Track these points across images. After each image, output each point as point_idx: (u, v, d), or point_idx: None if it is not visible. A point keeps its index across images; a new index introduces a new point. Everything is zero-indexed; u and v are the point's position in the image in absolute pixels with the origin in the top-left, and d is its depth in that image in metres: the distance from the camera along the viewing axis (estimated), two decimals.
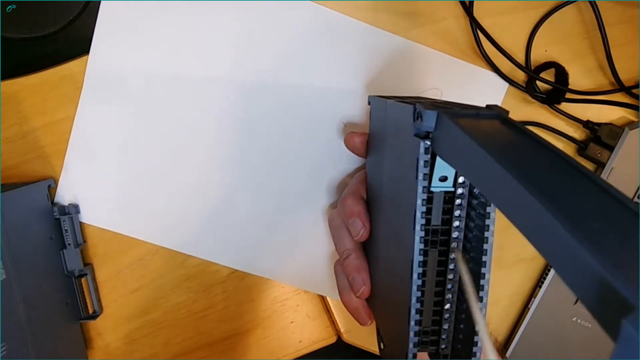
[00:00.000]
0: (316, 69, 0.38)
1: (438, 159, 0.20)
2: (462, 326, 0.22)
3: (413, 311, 0.21)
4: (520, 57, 0.39)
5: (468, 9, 0.37)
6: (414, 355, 0.21)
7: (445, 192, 0.21)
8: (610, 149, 0.38)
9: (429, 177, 0.20)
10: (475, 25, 0.37)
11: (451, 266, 0.22)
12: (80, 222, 0.37)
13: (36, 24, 0.35)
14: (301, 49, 0.37)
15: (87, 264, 0.38)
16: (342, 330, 0.40)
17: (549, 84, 0.38)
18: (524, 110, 0.39)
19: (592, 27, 0.39)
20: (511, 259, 0.41)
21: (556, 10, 0.38)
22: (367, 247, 0.32)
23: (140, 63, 0.37)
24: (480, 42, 0.38)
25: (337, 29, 0.37)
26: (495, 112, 0.19)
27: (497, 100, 0.39)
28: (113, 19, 0.36)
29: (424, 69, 0.38)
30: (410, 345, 0.21)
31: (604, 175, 0.38)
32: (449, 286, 0.22)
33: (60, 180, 0.37)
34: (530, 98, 0.39)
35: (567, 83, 0.38)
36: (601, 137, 0.38)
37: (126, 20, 0.36)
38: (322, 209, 0.39)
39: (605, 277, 0.11)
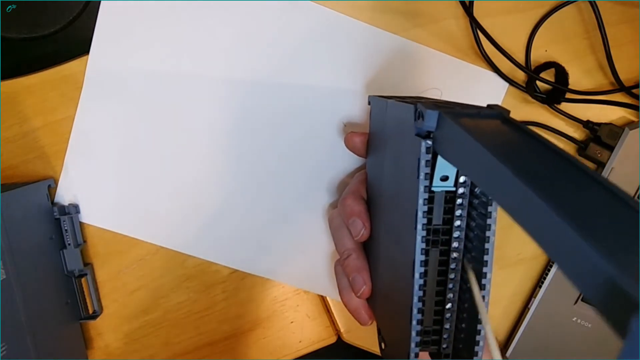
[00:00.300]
0: (316, 69, 0.38)
1: (439, 158, 0.20)
2: (463, 325, 0.22)
3: (415, 310, 0.21)
4: (520, 57, 0.39)
5: (468, 9, 0.37)
6: (416, 355, 0.21)
7: (447, 191, 0.21)
8: (610, 149, 0.38)
9: (430, 176, 0.20)
10: (475, 25, 0.37)
11: (452, 265, 0.22)
12: (80, 222, 0.37)
13: (36, 24, 0.35)
14: (301, 49, 0.37)
15: (87, 264, 0.38)
16: (342, 330, 0.40)
17: (549, 84, 0.38)
18: (524, 110, 0.39)
19: (592, 27, 0.39)
20: (511, 259, 0.41)
21: (556, 10, 0.38)
22: (367, 247, 0.32)
23: (141, 63, 0.37)
24: (480, 42, 0.38)
25: (336, 29, 0.37)
26: (496, 112, 0.19)
27: (497, 101, 0.39)
28: (113, 19, 0.36)
29: (424, 69, 0.38)
30: (412, 345, 0.21)
31: (603, 176, 0.38)
32: (450, 285, 0.22)
33: (60, 180, 0.37)
34: (530, 98, 0.39)
35: (567, 83, 0.38)
36: (601, 137, 0.38)
37: (126, 20, 0.36)
38: (322, 209, 0.39)
39: (612, 275, 0.11)
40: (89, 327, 0.38)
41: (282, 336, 0.40)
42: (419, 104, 0.20)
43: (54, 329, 0.34)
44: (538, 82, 0.38)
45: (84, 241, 0.37)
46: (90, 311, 0.38)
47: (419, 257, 0.20)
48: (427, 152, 0.20)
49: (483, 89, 0.39)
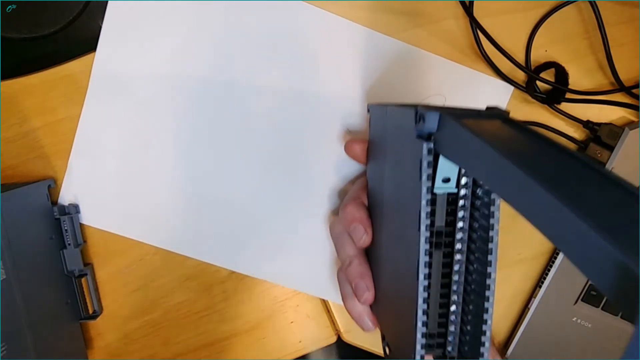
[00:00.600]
0: (316, 75, 0.38)
1: (441, 160, 0.20)
2: (468, 327, 0.22)
3: (420, 312, 0.21)
4: (520, 57, 0.39)
5: (468, 9, 0.37)
6: (422, 357, 0.21)
7: (449, 193, 0.21)
8: (610, 149, 0.38)
9: (432, 178, 0.20)
10: (475, 25, 0.37)
11: (456, 267, 0.22)
12: (81, 223, 0.37)
13: (36, 24, 0.35)
14: (300, 54, 0.37)
15: (87, 264, 0.38)
16: (342, 330, 0.40)
17: (549, 84, 0.38)
18: (524, 110, 0.39)
19: (592, 27, 0.39)
20: (511, 259, 0.41)
21: (556, 10, 0.38)
22: (369, 253, 0.32)
23: (147, 65, 0.37)
24: (480, 42, 0.38)
25: (336, 33, 0.37)
26: (496, 112, 0.19)
27: (501, 105, 0.39)
28: (120, 20, 0.36)
29: (427, 75, 0.38)
30: (418, 347, 0.21)
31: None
32: (454, 287, 0.22)
33: (64, 181, 0.37)
34: (530, 98, 0.39)
35: (567, 83, 0.38)
36: (601, 137, 0.38)
37: (133, 21, 0.36)
38: (323, 215, 0.39)
39: (622, 260, 0.11)
40: (89, 327, 0.38)
41: (282, 336, 0.40)
42: (419, 107, 0.20)
43: (54, 329, 0.34)
44: (538, 82, 0.38)
45: (84, 241, 0.37)
46: (90, 311, 0.38)
47: (423, 259, 0.20)
48: (429, 154, 0.20)
49: (487, 94, 0.39)
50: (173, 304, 0.39)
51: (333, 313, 0.40)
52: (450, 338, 0.23)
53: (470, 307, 0.22)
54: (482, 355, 0.21)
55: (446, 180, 0.20)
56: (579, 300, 0.40)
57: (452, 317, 0.23)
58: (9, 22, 0.34)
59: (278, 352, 0.40)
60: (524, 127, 0.18)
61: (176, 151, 0.37)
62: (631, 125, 0.39)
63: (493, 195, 0.20)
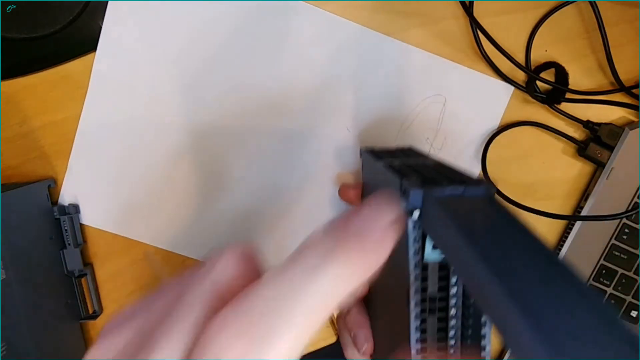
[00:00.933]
0: (315, 74, 0.38)
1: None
2: None
3: None
4: (520, 57, 0.39)
5: (468, 9, 0.37)
6: None
7: (440, 262, 0.21)
8: (610, 149, 0.38)
9: (422, 248, 0.20)
10: (475, 25, 0.37)
11: (451, 333, 0.22)
12: (81, 223, 0.37)
13: (36, 24, 0.35)
14: (301, 54, 0.37)
15: (87, 264, 0.38)
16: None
17: (549, 84, 0.38)
18: (524, 110, 0.39)
19: (592, 27, 0.39)
20: None
21: (556, 10, 0.38)
22: (367, 300, 0.32)
23: (147, 64, 0.37)
24: (480, 42, 0.38)
25: (336, 33, 0.37)
26: (482, 189, 0.19)
27: (501, 106, 0.39)
28: (120, 20, 0.36)
29: (426, 75, 0.38)
30: None
31: (604, 176, 0.38)
32: (452, 351, 0.22)
33: (64, 181, 0.37)
34: (530, 98, 0.39)
35: (567, 83, 0.38)
36: (601, 137, 0.38)
37: (133, 21, 0.36)
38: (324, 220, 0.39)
39: None
40: (89, 327, 0.38)
41: None
42: (405, 181, 0.20)
43: (54, 329, 0.34)
44: (538, 82, 0.38)
45: (84, 241, 0.37)
46: (90, 311, 0.38)
47: (415, 335, 0.20)
48: (414, 229, 0.19)
49: (487, 94, 0.39)
50: None
51: (333, 313, 0.40)
52: None
53: None
54: None
55: (436, 246, 0.20)
56: None
57: None
58: (9, 22, 0.34)
59: None
60: (505, 212, 0.17)
61: (176, 151, 0.37)
62: (631, 125, 0.39)
63: None
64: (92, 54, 0.36)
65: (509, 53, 0.36)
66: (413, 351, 0.20)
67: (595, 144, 0.38)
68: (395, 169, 0.23)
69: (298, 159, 0.38)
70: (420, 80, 0.38)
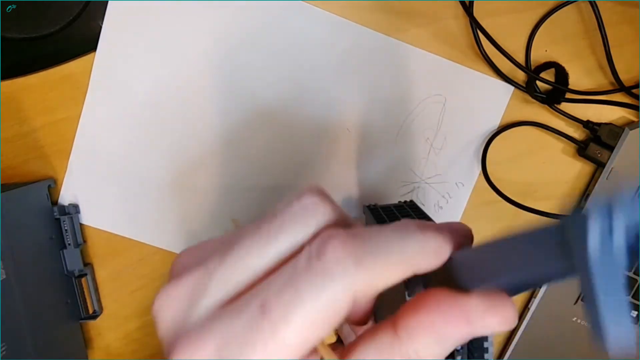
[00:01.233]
0: (315, 75, 0.38)
1: None
2: None
3: None
4: (520, 57, 0.39)
5: (468, 9, 0.37)
6: None
7: None
8: (610, 149, 0.38)
9: None
10: (475, 25, 0.37)
11: None
12: (81, 223, 0.37)
13: (36, 24, 0.35)
14: (301, 54, 0.37)
15: (87, 264, 0.38)
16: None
17: (549, 84, 0.38)
18: (524, 110, 0.39)
19: (592, 27, 0.39)
20: None
21: (556, 10, 0.38)
22: None
23: (147, 64, 0.37)
24: (480, 42, 0.38)
25: (336, 33, 0.37)
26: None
27: (501, 106, 0.39)
28: (120, 20, 0.36)
29: (426, 75, 0.38)
30: None
31: (604, 176, 0.38)
32: None
33: (64, 181, 0.37)
34: (530, 98, 0.39)
35: (567, 83, 0.38)
36: (601, 137, 0.38)
37: (133, 21, 0.36)
38: None
39: None
40: (89, 327, 0.38)
41: None
42: (410, 282, 0.19)
43: (54, 329, 0.34)
44: (538, 82, 0.38)
45: (84, 241, 0.37)
46: (90, 311, 0.38)
47: None
48: None
49: (487, 94, 0.39)
50: None
51: None
52: None
53: None
54: None
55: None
56: (579, 300, 0.40)
57: None
58: (9, 22, 0.34)
59: None
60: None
61: (176, 151, 0.37)
62: (631, 125, 0.39)
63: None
64: (92, 54, 0.36)
65: (509, 53, 0.36)
66: None
67: (595, 144, 0.38)
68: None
69: (298, 160, 0.38)
70: (420, 80, 0.38)
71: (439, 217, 0.40)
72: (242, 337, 0.14)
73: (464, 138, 0.39)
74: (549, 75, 0.39)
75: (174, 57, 0.37)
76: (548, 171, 0.40)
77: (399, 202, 0.34)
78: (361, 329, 0.29)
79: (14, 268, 0.30)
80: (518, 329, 0.40)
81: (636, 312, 0.40)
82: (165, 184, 0.38)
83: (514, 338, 0.40)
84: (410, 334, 0.15)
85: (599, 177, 0.39)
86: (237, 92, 0.37)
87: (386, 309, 0.22)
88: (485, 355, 0.20)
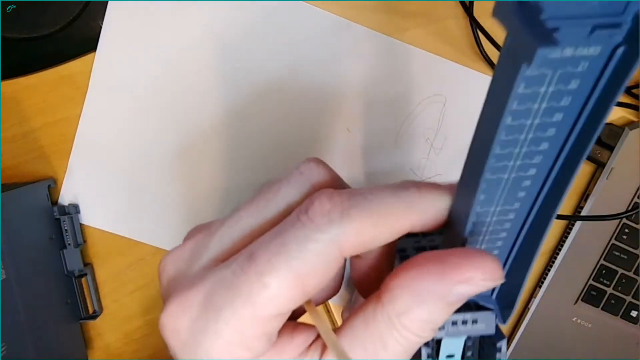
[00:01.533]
0: (315, 75, 0.37)
1: (444, 341, 0.19)
2: None
3: None
4: None
5: (468, 9, 0.37)
6: None
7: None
8: (610, 149, 0.38)
9: (436, 355, 0.20)
10: (475, 25, 0.37)
11: None
12: (81, 223, 0.37)
13: (36, 24, 0.35)
14: (301, 54, 0.37)
15: (87, 264, 0.38)
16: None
17: None
18: None
19: None
20: None
21: None
22: None
23: (147, 64, 0.37)
24: (480, 42, 0.38)
25: (336, 33, 0.37)
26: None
27: None
28: (120, 20, 0.36)
29: (427, 75, 0.38)
30: None
31: (604, 176, 0.38)
32: None
33: (64, 181, 0.37)
34: None
35: None
36: (601, 137, 0.38)
37: (133, 21, 0.36)
38: None
39: None
40: (89, 327, 0.38)
41: None
42: (400, 257, 0.19)
43: (54, 329, 0.34)
44: None
45: (84, 241, 0.37)
46: (90, 311, 0.38)
47: None
48: (428, 358, 0.19)
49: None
50: None
51: (333, 313, 0.40)
52: None
53: None
54: None
55: (450, 356, 0.20)
56: (579, 300, 0.40)
57: None
58: (9, 22, 0.34)
59: None
60: None
61: (176, 151, 0.37)
62: (631, 125, 0.39)
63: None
64: (92, 54, 0.36)
65: None
66: None
67: (595, 144, 0.38)
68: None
69: (298, 160, 0.38)
70: (420, 80, 0.38)
71: None
72: (229, 281, 0.15)
73: (464, 138, 0.39)
74: None
75: (173, 57, 0.37)
76: None
77: None
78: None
79: (14, 268, 0.30)
80: (518, 329, 0.40)
81: (636, 312, 0.40)
82: (166, 184, 0.38)
83: (514, 338, 0.40)
84: (390, 296, 0.15)
85: (599, 177, 0.39)
86: (237, 93, 0.37)
87: None
88: (498, 355, 0.20)
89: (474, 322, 0.19)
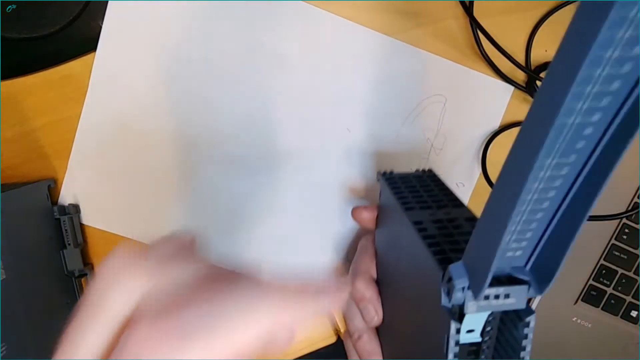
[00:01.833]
0: (315, 75, 0.37)
1: (466, 318, 0.19)
2: None
3: None
4: (520, 57, 0.39)
5: (468, 9, 0.37)
6: None
7: (472, 343, 0.21)
8: None
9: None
10: (475, 25, 0.37)
11: None
12: (81, 223, 0.37)
13: (36, 24, 0.35)
14: (300, 54, 0.37)
15: (87, 264, 0.38)
16: (342, 331, 0.40)
17: None
18: (524, 110, 0.39)
19: None
20: None
21: (556, 10, 0.38)
22: (379, 326, 0.31)
23: (147, 65, 0.37)
24: (480, 42, 0.38)
25: (336, 34, 0.37)
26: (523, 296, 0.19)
27: (502, 106, 0.39)
28: (120, 20, 0.36)
29: (426, 75, 0.38)
30: None
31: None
32: None
33: (64, 181, 0.37)
34: (530, 98, 0.39)
35: None
36: None
37: (133, 21, 0.36)
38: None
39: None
40: None
41: None
42: (446, 284, 0.18)
43: (54, 329, 0.34)
44: (538, 82, 0.38)
45: (84, 241, 0.37)
46: None
47: None
48: (457, 333, 0.19)
49: (487, 95, 0.39)
50: None
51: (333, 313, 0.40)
52: None
53: None
54: None
55: (471, 330, 0.20)
56: (579, 300, 0.40)
57: None
58: (9, 22, 0.34)
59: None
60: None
61: (176, 151, 0.37)
62: None
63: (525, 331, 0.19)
64: (92, 54, 0.36)
65: (509, 53, 0.36)
66: None
67: None
68: (429, 243, 0.22)
69: (298, 160, 0.38)
70: (420, 80, 0.38)
71: None
72: None
73: (464, 138, 0.39)
74: None
75: (173, 57, 0.37)
76: None
77: (417, 170, 0.32)
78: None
79: (14, 268, 0.30)
80: None
81: (636, 312, 0.40)
82: (166, 184, 0.38)
83: None
84: None
85: None
86: (237, 93, 0.37)
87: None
88: (526, 330, 0.19)
89: (507, 296, 0.18)
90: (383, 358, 0.30)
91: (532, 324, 0.19)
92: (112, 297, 0.18)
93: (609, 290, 0.40)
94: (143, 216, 0.38)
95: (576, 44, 0.12)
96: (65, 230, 0.36)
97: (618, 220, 0.39)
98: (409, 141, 0.39)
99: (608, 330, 0.40)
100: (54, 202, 0.37)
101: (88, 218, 0.37)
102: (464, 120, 0.39)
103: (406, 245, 0.25)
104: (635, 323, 0.40)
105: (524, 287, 0.18)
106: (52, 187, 0.36)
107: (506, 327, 0.20)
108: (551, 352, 0.40)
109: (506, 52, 0.36)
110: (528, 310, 0.19)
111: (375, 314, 0.30)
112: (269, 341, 0.17)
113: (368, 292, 0.30)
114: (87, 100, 0.36)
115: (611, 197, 0.38)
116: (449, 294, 0.18)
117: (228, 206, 0.38)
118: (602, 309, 0.40)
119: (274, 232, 0.39)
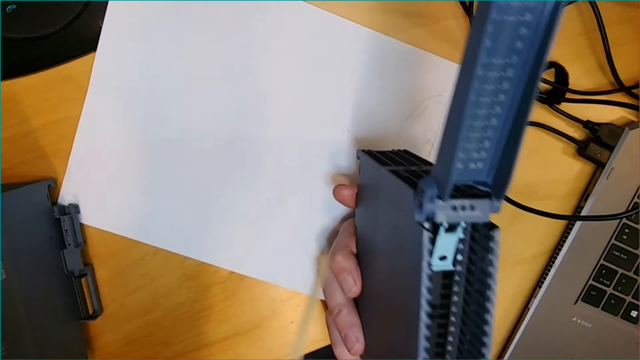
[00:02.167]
0: (314, 75, 0.37)
1: (438, 240, 0.20)
2: None
3: None
4: None
5: (468, 9, 0.37)
6: None
7: (444, 271, 0.21)
8: (610, 149, 0.38)
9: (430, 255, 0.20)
10: None
11: (450, 338, 0.22)
12: (81, 223, 0.37)
13: (36, 24, 0.35)
14: (300, 54, 0.37)
15: (87, 264, 0.38)
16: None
17: (549, 84, 0.38)
18: None
19: (592, 27, 0.39)
20: (511, 259, 0.41)
21: None
22: (358, 300, 0.32)
23: (147, 64, 0.37)
24: None
25: (336, 33, 0.37)
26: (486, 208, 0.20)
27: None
28: (120, 20, 0.36)
29: (426, 75, 0.38)
30: None
31: (604, 176, 0.38)
32: (449, 348, 0.22)
33: (64, 181, 0.37)
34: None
35: (567, 83, 0.38)
36: (601, 137, 0.38)
37: (133, 21, 0.36)
38: (319, 211, 0.39)
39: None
40: (89, 327, 0.38)
41: (281, 336, 0.40)
42: (419, 195, 0.19)
43: (54, 329, 0.34)
44: None
45: (84, 241, 0.37)
46: (90, 311, 0.38)
47: (423, 344, 0.20)
48: (429, 241, 0.20)
49: None
50: (173, 304, 0.39)
51: None
52: None
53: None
54: None
55: (443, 258, 0.20)
56: (579, 300, 0.40)
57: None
58: (9, 22, 0.34)
59: (278, 352, 0.40)
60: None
61: (176, 151, 0.37)
62: (631, 125, 0.39)
63: (490, 256, 0.20)
64: (92, 54, 0.36)
65: None
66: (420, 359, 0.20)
67: (595, 144, 0.38)
68: (403, 177, 0.23)
69: (298, 160, 0.38)
70: (420, 80, 0.38)
71: None
72: None
73: None
74: (549, 75, 0.39)
75: (173, 57, 0.37)
76: (548, 171, 0.40)
77: (392, 149, 0.33)
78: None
79: (14, 268, 0.30)
80: (518, 329, 0.40)
81: (636, 312, 0.40)
82: (166, 184, 0.38)
83: (514, 338, 0.40)
84: None
85: (599, 177, 0.39)
86: (238, 93, 0.37)
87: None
88: (491, 244, 0.20)
89: (472, 207, 0.19)
90: (362, 330, 0.31)
91: (497, 238, 0.20)
92: None
93: (609, 290, 0.40)
94: (143, 216, 0.38)
95: None
96: (65, 230, 0.36)
97: (618, 220, 0.39)
98: (409, 142, 0.39)
99: (608, 330, 0.40)
100: (54, 202, 0.37)
101: (88, 218, 0.37)
102: None
103: (383, 197, 0.26)
104: (635, 323, 0.40)
105: (487, 201, 0.19)
106: (52, 187, 0.36)
107: (475, 254, 0.21)
108: (551, 352, 0.40)
109: None
110: (492, 225, 0.20)
111: (354, 283, 0.30)
112: None
113: (347, 264, 0.31)
114: (87, 100, 0.36)
115: (611, 197, 0.38)
116: (421, 207, 0.19)
117: (228, 206, 0.38)
118: (602, 309, 0.40)
119: (274, 232, 0.39)
